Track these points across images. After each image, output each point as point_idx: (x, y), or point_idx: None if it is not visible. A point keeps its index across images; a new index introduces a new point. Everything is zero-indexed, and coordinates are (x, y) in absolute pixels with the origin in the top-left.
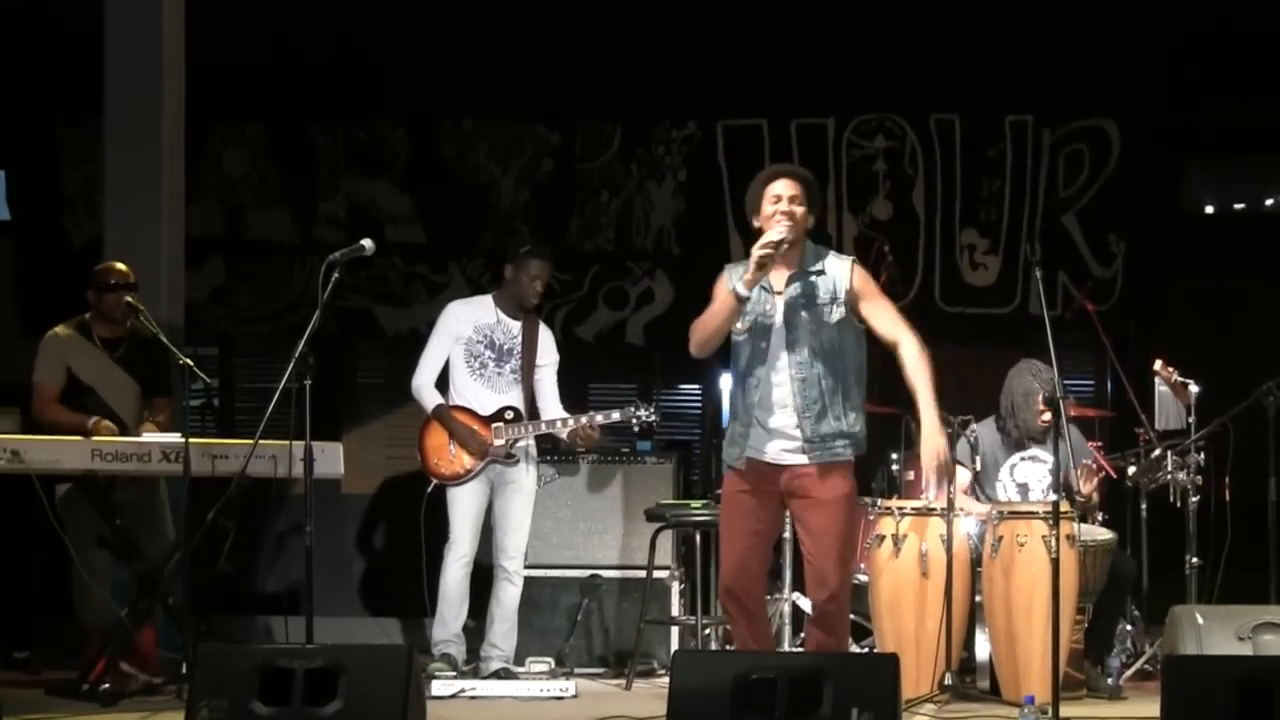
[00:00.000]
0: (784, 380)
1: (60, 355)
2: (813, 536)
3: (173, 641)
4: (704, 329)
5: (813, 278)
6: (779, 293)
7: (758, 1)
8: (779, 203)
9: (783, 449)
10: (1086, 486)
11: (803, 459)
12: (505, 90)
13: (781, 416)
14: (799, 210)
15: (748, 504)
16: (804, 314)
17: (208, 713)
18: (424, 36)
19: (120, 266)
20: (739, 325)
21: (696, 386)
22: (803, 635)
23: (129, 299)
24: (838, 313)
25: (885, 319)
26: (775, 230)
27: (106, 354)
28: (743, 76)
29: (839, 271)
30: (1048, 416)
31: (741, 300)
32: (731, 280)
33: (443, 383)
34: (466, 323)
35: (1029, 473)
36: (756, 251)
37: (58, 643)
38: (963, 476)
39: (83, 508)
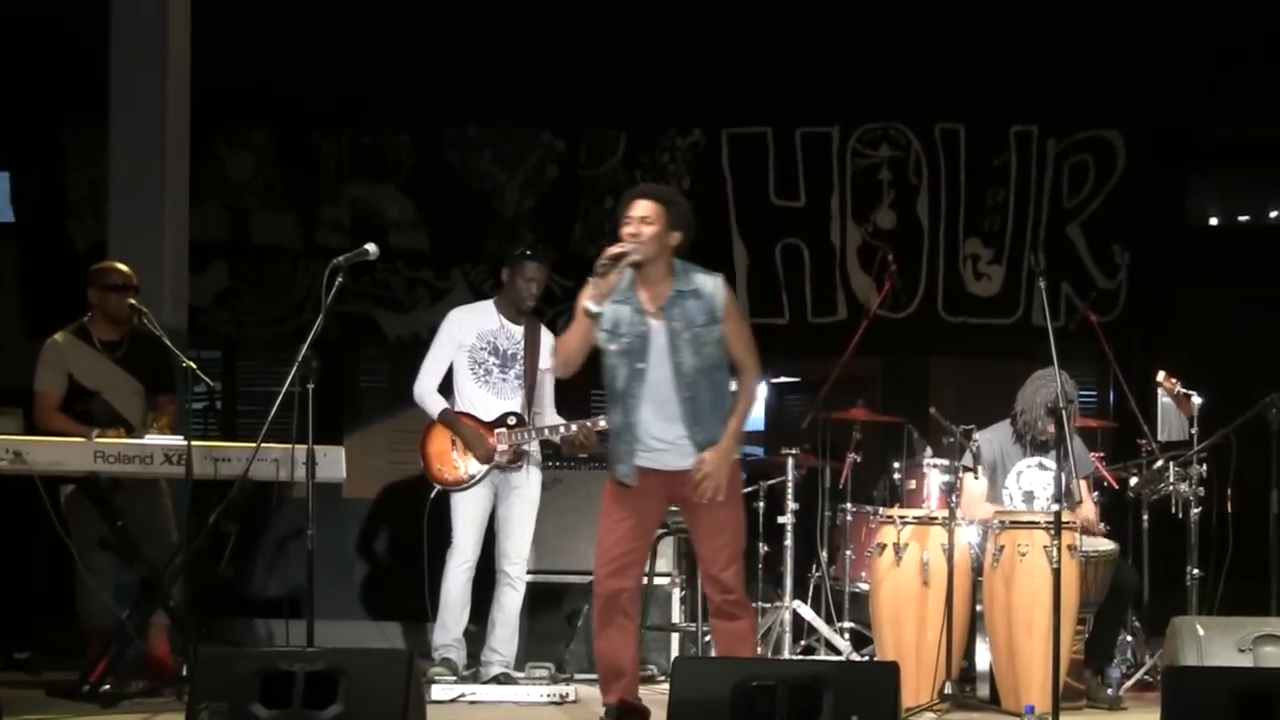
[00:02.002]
0: (670, 398)
1: (61, 361)
2: (706, 536)
3: (174, 644)
4: (564, 348)
5: (689, 299)
6: (654, 314)
7: (763, 9)
8: (629, 224)
9: (676, 457)
10: (1084, 512)
11: (686, 464)
12: (510, 97)
13: (671, 430)
14: (646, 230)
15: (632, 505)
16: (688, 335)
17: (208, 715)
18: (429, 43)
19: (121, 267)
20: (612, 347)
21: None
22: (802, 644)
23: (132, 301)
24: (717, 330)
25: (739, 343)
26: (617, 246)
27: (107, 355)
28: (748, 84)
29: (714, 291)
30: (1052, 426)
31: (592, 316)
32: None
33: (445, 390)
34: (469, 329)
35: (1035, 480)
36: (596, 265)
37: (58, 644)
38: (977, 485)
39: (86, 509)
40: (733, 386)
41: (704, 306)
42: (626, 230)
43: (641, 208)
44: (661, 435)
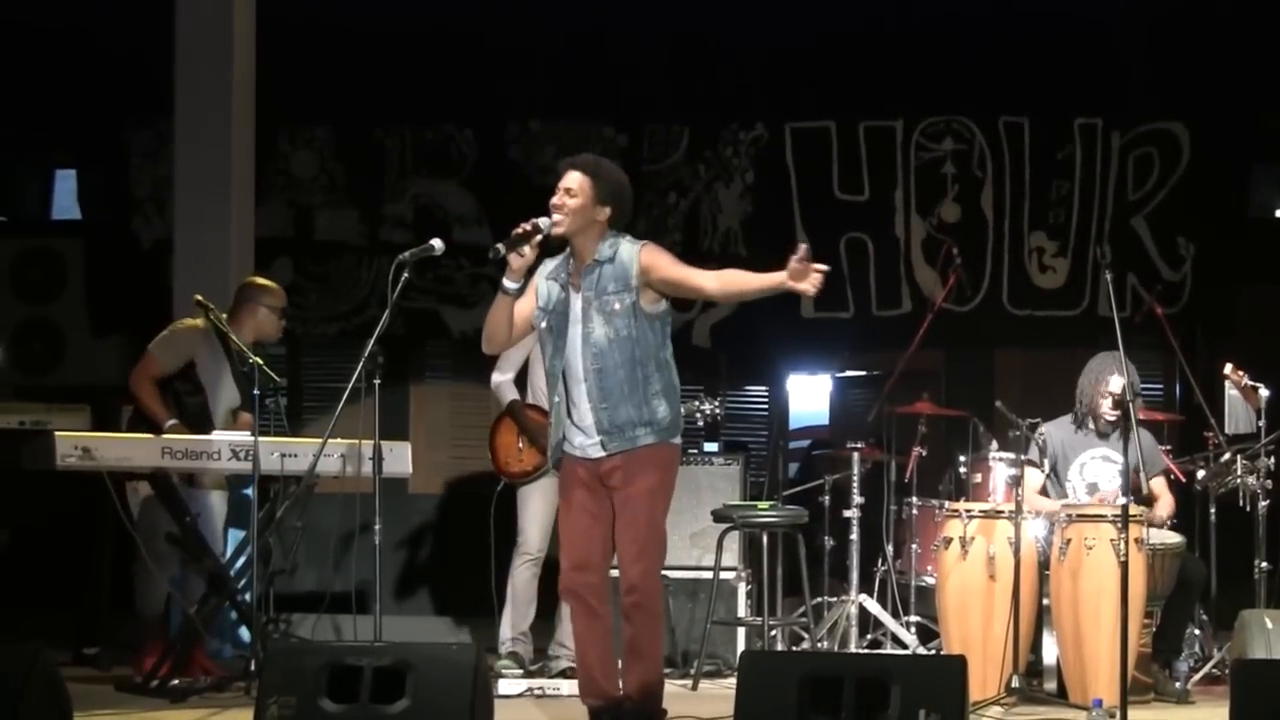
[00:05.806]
0: (581, 373)
1: (191, 348)
2: (618, 530)
3: (241, 640)
4: (486, 325)
5: (604, 266)
6: (576, 287)
7: (825, 3)
8: (556, 194)
9: (588, 442)
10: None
11: (603, 452)
12: (572, 91)
13: (583, 410)
14: (570, 202)
15: (579, 497)
16: (596, 304)
17: (276, 709)
18: (490, 38)
19: (281, 291)
20: (542, 325)
21: (763, 388)
22: (868, 638)
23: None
24: (628, 298)
25: (681, 275)
26: (526, 223)
27: (230, 365)
28: (811, 78)
29: (628, 256)
30: (1109, 405)
31: (506, 293)
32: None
33: (521, 381)
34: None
35: (1099, 471)
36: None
37: (127, 639)
38: (1034, 478)
39: (160, 510)
40: (666, 371)
41: (616, 273)
42: (553, 201)
43: (568, 179)
44: (580, 420)
